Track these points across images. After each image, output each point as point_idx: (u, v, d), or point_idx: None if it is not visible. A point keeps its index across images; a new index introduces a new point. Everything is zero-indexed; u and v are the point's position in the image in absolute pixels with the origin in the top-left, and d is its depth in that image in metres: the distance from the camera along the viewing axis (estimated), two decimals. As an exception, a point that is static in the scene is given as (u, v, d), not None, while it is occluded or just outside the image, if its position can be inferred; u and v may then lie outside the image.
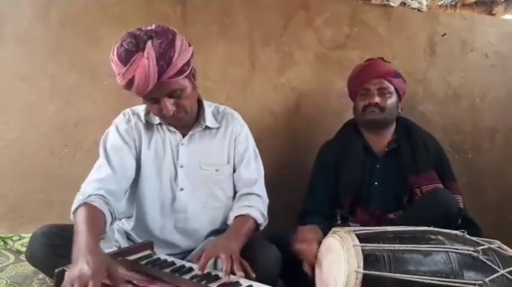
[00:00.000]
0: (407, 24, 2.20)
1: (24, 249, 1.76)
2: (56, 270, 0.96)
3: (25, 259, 1.68)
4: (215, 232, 1.40)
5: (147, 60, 1.10)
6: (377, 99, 1.59)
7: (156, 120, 1.35)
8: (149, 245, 1.25)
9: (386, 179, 1.61)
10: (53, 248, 1.16)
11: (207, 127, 1.37)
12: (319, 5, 2.11)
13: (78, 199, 1.13)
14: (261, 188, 1.40)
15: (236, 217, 1.29)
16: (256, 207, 1.32)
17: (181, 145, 1.35)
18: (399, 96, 1.67)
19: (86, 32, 1.91)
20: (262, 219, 1.32)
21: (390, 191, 1.60)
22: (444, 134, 2.16)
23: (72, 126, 1.91)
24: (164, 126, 1.36)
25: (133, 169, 1.31)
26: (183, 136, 1.36)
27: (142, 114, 1.36)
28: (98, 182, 1.20)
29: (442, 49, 2.22)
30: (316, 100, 2.12)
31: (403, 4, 2.21)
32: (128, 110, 1.39)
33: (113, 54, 1.15)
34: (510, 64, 2.28)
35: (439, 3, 2.42)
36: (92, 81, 1.92)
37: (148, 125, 1.36)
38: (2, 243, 1.83)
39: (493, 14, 2.50)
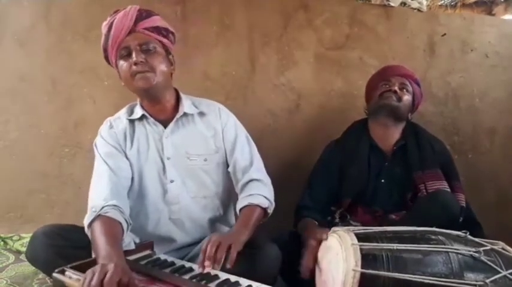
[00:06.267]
0: (407, 24, 2.19)
1: (24, 249, 1.77)
2: (56, 270, 0.96)
3: (25, 259, 1.68)
4: (210, 221, 1.41)
5: (128, 9, 1.27)
6: (397, 89, 1.63)
7: (138, 113, 1.36)
8: (149, 245, 1.25)
9: (393, 177, 1.62)
10: (53, 248, 1.16)
11: (186, 114, 1.38)
12: (319, 5, 2.11)
13: (92, 212, 1.14)
14: (259, 173, 1.40)
15: (241, 209, 1.30)
16: (257, 193, 1.32)
17: (165, 138, 1.35)
18: (412, 104, 1.69)
19: (86, 32, 1.91)
20: (267, 203, 1.32)
21: (395, 189, 1.61)
22: (444, 135, 2.16)
23: (72, 127, 1.92)
24: (146, 121, 1.36)
25: (128, 167, 1.33)
26: (166, 128, 1.36)
27: (124, 117, 1.38)
28: (106, 190, 1.21)
29: (441, 49, 2.22)
30: (316, 100, 2.12)
31: (403, 4, 2.21)
32: (109, 118, 1.42)
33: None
34: (510, 64, 2.27)
35: (439, 3, 2.42)
36: (92, 81, 1.92)
37: (131, 124, 1.38)
38: (2, 243, 1.83)
39: (493, 14, 2.50)
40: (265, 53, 2.07)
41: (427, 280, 1.01)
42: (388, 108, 1.62)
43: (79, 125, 1.92)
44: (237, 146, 1.41)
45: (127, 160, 1.34)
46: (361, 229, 1.20)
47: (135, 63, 1.24)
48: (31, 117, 1.89)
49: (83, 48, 1.91)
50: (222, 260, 1.05)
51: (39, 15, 1.89)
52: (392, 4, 2.18)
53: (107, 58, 1.34)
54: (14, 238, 1.83)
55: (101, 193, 1.20)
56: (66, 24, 1.90)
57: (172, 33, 1.37)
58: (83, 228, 1.27)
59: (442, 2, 2.43)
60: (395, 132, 1.68)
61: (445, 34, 2.21)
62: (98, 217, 1.12)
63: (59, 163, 1.91)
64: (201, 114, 1.41)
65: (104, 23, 1.30)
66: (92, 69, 1.92)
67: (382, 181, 1.63)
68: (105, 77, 1.92)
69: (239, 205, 1.31)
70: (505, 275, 1.06)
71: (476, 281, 1.03)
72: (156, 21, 1.31)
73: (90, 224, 1.12)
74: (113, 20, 1.26)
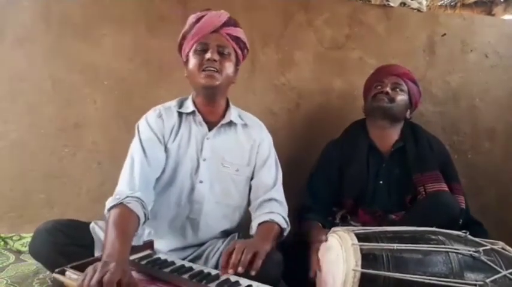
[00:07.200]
0: (407, 24, 2.20)
1: (24, 249, 1.77)
2: (56, 270, 0.96)
3: (25, 259, 1.69)
4: (223, 232, 1.42)
5: (221, 12, 1.37)
6: (389, 90, 1.64)
7: (189, 108, 1.40)
8: (149, 245, 1.25)
9: (391, 178, 1.62)
10: (55, 245, 1.17)
11: (231, 123, 1.42)
12: (319, 5, 2.11)
13: (115, 197, 1.17)
14: (280, 194, 1.42)
15: (260, 224, 1.30)
16: (278, 213, 1.34)
17: (207, 139, 1.38)
18: (410, 102, 1.69)
19: (86, 32, 1.91)
20: (285, 224, 1.35)
21: (394, 190, 1.61)
22: (444, 134, 2.16)
23: (72, 127, 1.92)
24: (193, 118, 1.40)
25: (164, 159, 1.35)
26: (209, 130, 1.40)
27: (174, 109, 1.41)
28: (135, 179, 1.24)
29: (441, 49, 2.22)
30: (316, 100, 2.12)
31: (403, 4, 2.21)
32: (158, 106, 1.44)
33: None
34: (510, 64, 2.27)
35: (439, 3, 2.42)
36: (92, 81, 1.92)
37: (179, 117, 1.40)
38: (2, 243, 1.83)
39: (493, 14, 2.50)
40: (265, 53, 2.07)
41: (427, 279, 1.01)
42: (381, 110, 1.63)
43: (79, 125, 1.92)
44: (266, 164, 1.45)
45: (165, 152, 1.36)
46: (361, 229, 1.20)
47: (208, 59, 1.30)
48: (31, 117, 1.89)
49: (83, 48, 1.91)
50: (246, 264, 1.05)
51: (39, 15, 1.88)
52: (392, 4, 2.18)
53: (181, 46, 1.41)
54: (14, 238, 1.83)
55: (130, 181, 1.23)
56: (66, 24, 1.90)
57: (248, 49, 1.46)
58: (85, 224, 1.29)
59: (442, 2, 2.44)
60: (393, 133, 1.68)
61: (445, 34, 2.21)
62: (120, 204, 1.14)
63: (59, 163, 1.91)
64: (245, 126, 1.46)
65: (193, 15, 1.38)
66: (92, 69, 1.92)
67: (381, 182, 1.62)
68: (105, 77, 1.92)
69: (260, 219, 1.32)
70: (504, 275, 1.06)
71: (476, 281, 1.03)
72: (239, 32, 1.39)
73: (110, 209, 1.14)
74: (204, 15, 1.35)
